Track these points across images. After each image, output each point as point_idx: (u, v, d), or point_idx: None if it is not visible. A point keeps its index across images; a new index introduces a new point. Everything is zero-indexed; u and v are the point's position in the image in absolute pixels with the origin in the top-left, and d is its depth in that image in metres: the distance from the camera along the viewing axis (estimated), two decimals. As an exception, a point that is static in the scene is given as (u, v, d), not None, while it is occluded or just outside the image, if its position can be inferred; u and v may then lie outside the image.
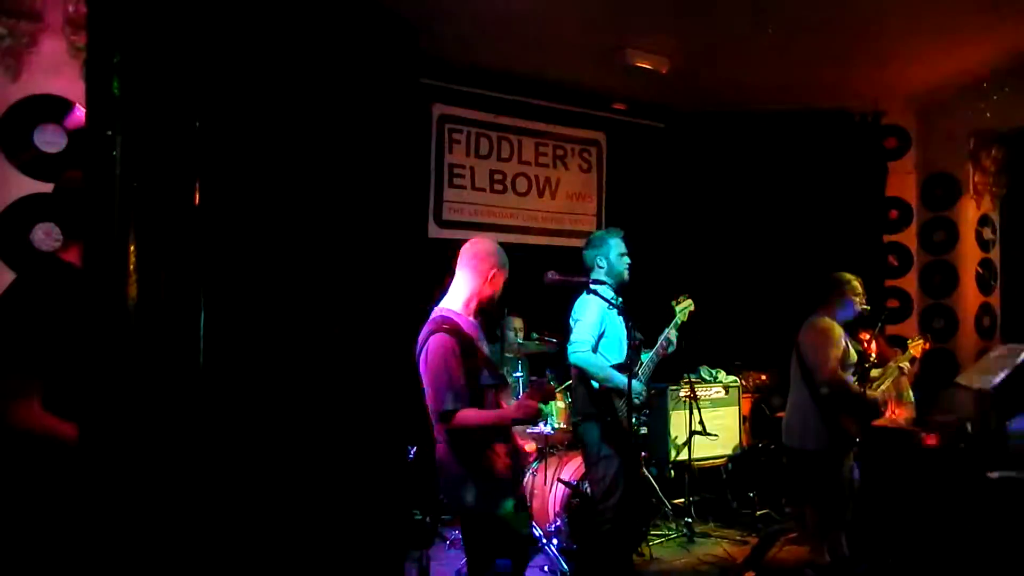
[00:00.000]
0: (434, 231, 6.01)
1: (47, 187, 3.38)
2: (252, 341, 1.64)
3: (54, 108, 3.49)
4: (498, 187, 6.39)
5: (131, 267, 1.10)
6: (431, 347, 2.80)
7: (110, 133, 1.11)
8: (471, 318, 3.00)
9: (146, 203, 1.14)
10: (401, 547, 3.39)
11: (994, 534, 4.20)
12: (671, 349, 3.99)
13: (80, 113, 3.51)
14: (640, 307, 4.07)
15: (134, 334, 1.14)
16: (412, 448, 4.29)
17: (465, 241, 6.40)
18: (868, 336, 4.24)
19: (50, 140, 3.47)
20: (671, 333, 3.98)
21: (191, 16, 1.34)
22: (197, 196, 1.25)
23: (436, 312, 2.96)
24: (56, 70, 3.49)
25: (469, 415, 2.78)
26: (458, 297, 3.00)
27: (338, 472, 2.57)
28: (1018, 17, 4.74)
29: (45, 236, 3.33)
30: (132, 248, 1.12)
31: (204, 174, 1.26)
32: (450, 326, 2.84)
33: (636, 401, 3.74)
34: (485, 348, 3.03)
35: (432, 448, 2.99)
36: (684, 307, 4.09)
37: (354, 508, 2.56)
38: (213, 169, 1.33)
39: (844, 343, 4.14)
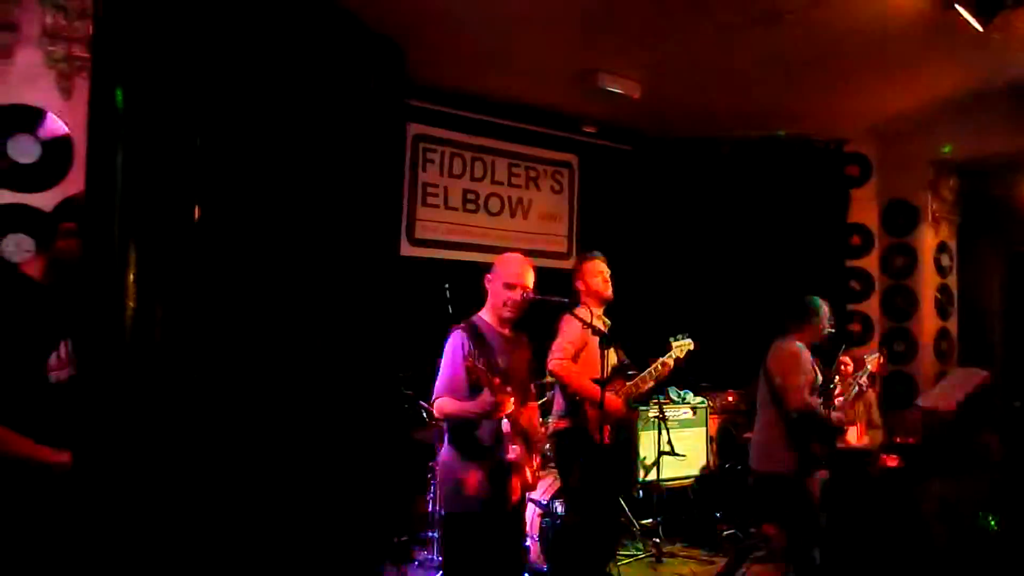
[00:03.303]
0: (407, 249, 6.02)
1: (20, 197, 3.34)
2: (239, 357, 1.65)
3: (27, 118, 3.45)
4: (471, 206, 6.42)
5: (131, 279, 1.11)
6: (448, 341, 3.12)
7: (112, 146, 1.12)
8: (500, 328, 3.25)
9: (147, 217, 1.15)
10: (379, 562, 3.39)
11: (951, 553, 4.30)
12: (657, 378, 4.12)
13: (53, 123, 3.48)
14: (615, 327, 4.14)
15: (131, 346, 1.14)
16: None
17: (436, 260, 6.44)
18: (848, 360, 4.33)
19: (24, 150, 3.42)
20: (663, 363, 4.12)
21: (190, 34, 1.36)
22: (197, 212, 1.26)
23: (474, 316, 3.31)
24: (31, 80, 3.44)
25: (445, 403, 3.03)
26: (487, 308, 3.32)
27: (318, 489, 2.56)
28: (974, 53, 4.93)
29: (16, 247, 3.27)
30: (132, 260, 1.12)
31: (204, 191, 1.27)
32: (468, 326, 3.14)
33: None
34: (510, 356, 3.21)
35: (403, 466, 3.06)
36: (680, 345, 4.19)
37: (333, 524, 2.56)
38: (210, 186, 1.35)
39: (811, 366, 4.24)
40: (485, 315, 3.30)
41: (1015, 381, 6.84)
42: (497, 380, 2.93)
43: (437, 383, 3.09)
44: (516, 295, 3.19)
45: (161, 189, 1.18)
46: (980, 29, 4.30)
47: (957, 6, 4.16)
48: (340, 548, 2.91)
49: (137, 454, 1.25)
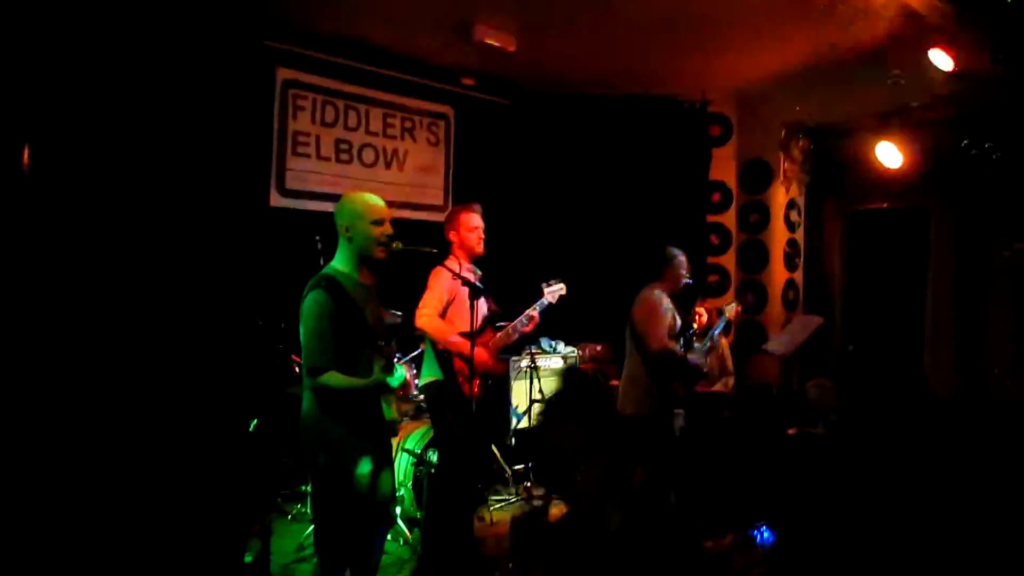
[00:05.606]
0: (276, 200, 5.82)
1: None
2: (85, 309, 1.57)
3: None
4: (344, 157, 6.28)
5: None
6: (307, 303, 2.85)
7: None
8: (361, 279, 3.02)
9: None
10: (243, 517, 3.35)
11: (794, 483, 4.73)
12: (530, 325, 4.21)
13: None
14: (487, 278, 4.22)
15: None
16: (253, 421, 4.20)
17: (308, 211, 6.25)
18: (703, 310, 4.59)
19: None
20: (534, 311, 4.20)
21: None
22: (27, 154, 1.18)
23: (325, 269, 2.99)
24: None
25: (332, 378, 2.83)
26: (342, 256, 3.02)
27: (187, 444, 2.49)
28: (821, 22, 5.26)
29: None
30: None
31: (34, 134, 1.19)
32: (328, 284, 2.87)
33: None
34: (371, 308, 3.02)
35: (275, 420, 2.97)
36: (553, 291, 4.30)
37: (195, 479, 2.50)
38: (43, 130, 1.26)
39: (670, 314, 4.49)
40: (342, 266, 3.00)
41: (851, 327, 7.52)
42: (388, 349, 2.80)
43: (310, 351, 2.84)
44: (388, 228, 2.99)
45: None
46: (825, -1, 4.59)
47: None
48: (211, 503, 2.87)
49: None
